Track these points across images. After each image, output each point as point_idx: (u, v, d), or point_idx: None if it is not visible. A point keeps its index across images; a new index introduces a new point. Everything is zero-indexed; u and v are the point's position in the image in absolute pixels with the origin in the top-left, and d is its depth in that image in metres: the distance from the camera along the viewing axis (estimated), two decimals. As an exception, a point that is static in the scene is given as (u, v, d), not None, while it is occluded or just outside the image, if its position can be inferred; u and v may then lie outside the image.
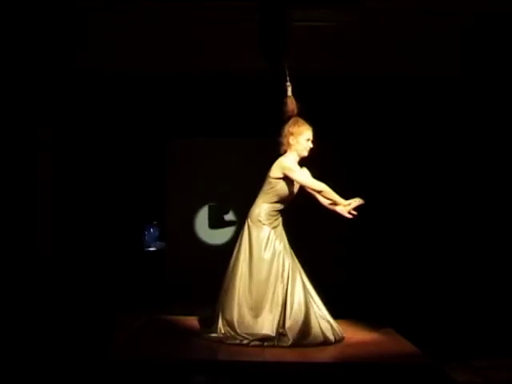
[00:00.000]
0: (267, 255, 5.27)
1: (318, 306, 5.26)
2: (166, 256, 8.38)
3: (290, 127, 5.33)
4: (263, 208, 5.37)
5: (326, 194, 5.23)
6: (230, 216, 8.42)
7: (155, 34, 6.73)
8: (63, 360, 4.70)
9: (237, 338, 5.13)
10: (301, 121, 5.35)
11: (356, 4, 6.45)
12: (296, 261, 5.37)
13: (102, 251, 7.61)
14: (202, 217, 8.42)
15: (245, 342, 5.10)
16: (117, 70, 6.88)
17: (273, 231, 5.35)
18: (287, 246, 5.40)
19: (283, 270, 5.25)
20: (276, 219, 5.40)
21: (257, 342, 5.08)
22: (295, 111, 5.35)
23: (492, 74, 6.74)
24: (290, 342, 5.05)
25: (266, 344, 5.06)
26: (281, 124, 5.40)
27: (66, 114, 7.17)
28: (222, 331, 5.22)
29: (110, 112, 7.70)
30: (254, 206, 5.42)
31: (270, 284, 5.22)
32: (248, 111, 7.66)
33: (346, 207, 5.17)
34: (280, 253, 5.29)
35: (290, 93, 5.37)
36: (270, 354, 4.89)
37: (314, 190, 5.28)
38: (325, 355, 4.91)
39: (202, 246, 8.38)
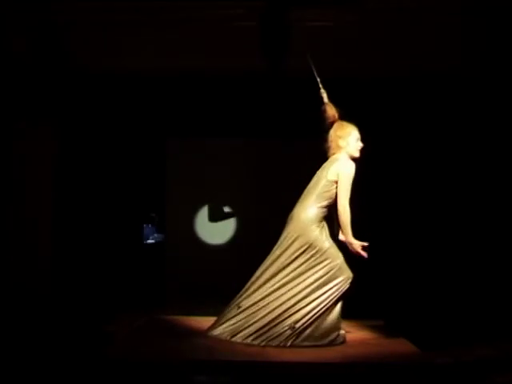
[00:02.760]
0: (320, 259, 5.18)
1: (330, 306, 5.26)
2: (166, 256, 8.38)
3: (336, 131, 5.27)
4: (314, 211, 5.23)
5: (341, 221, 5.13)
6: (228, 208, 8.42)
7: (155, 33, 6.73)
8: (63, 360, 4.70)
9: (248, 333, 5.12)
10: (345, 123, 5.30)
11: (356, 4, 6.45)
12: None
13: (102, 250, 7.61)
14: (202, 216, 8.41)
15: (249, 339, 5.09)
16: (117, 69, 6.88)
17: (324, 232, 5.25)
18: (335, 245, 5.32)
19: (326, 275, 5.17)
20: (322, 221, 5.28)
21: (261, 342, 5.08)
22: (336, 116, 5.31)
23: (494, 74, 6.74)
24: (293, 342, 5.06)
25: (274, 344, 5.06)
26: (320, 129, 5.33)
27: (66, 113, 7.17)
28: (238, 320, 5.20)
29: (109, 111, 7.70)
30: (302, 209, 5.24)
31: (317, 289, 5.16)
32: (248, 111, 7.66)
33: (351, 245, 5.13)
34: (328, 258, 5.19)
35: (326, 99, 5.33)
36: (270, 354, 4.88)
37: (337, 210, 5.16)
38: (325, 355, 4.89)
39: (202, 246, 8.38)
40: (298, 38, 6.09)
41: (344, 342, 5.23)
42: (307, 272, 5.18)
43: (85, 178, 7.54)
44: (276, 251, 5.32)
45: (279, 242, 5.33)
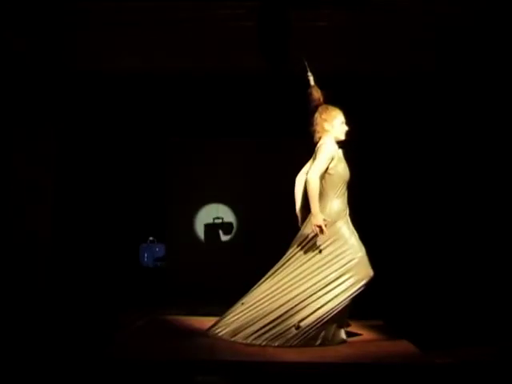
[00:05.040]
0: (339, 250, 5.09)
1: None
2: (166, 256, 8.40)
3: (321, 115, 5.25)
4: (334, 206, 5.15)
5: (308, 193, 5.07)
6: (226, 236, 8.41)
7: (155, 33, 6.74)
8: (64, 360, 4.70)
9: (249, 332, 5.10)
10: (330, 106, 5.30)
11: (357, 4, 6.46)
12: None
13: (102, 249, 7.62)
14: (202, 217, 8.42)
15: (250, 339, 5.08)
16: (117, 69, 6.89)
17: (347, 225, 5.17)
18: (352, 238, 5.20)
19: (342, 268, 5.09)
20: (345, 211, 5.21)
21: (262, 342, 5.08)
22: (321, 99, 5.30)
23: (492, 74, 6.75)
24: (297, 342, 5.04)
25: (276, 344, 5.04)
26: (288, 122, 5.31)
27: (66, 114, 7.18)
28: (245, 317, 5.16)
29: (110, 112, 7.72)
30: (322, 208, 5.10)
31: (330, 284, 5.09)
32: (248, 111, 7.67)
33: (316, 217, 5.02)
34: (348, 249, 5.12)
35: (312, 82, 5.33)
36: (270, 354, 4.87)
37: (306, 182, 5.08)
38: (325, 355, 4.88)
39: (202, 246, 8.38)
40: (297, 38, 6.09)
41: (344, 342, 5.23)
42: (321, 265, 5.09)
43: (85, 177, 7.56)
44: (291, 250, 5.24)
45: (295, 241, 5.24)
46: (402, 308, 6.70)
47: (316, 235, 5.07)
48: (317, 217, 5.02)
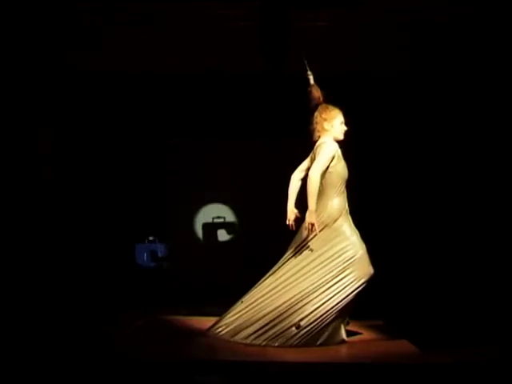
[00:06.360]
0: (339, 247, 5.11)
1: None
2: (166, 256, 8.40)
3: (321, 114, 5.28)
4: (334, 204, 5.17)
5: (308, 190, 5.09)
6: (225, 235, 8.39)
7: (155, 34, 6.74)
8: (63, 359, 4.70)
9: (249, 332, 5.10)
10: (330, 106, 5.32)
11: (356, 4, 6.46)
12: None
13: (102, 249, 7.61)
14: (203, 217, 8.41)
15: (250, 339, 5.08)
16: (117, 69, 6.89)
17: (347, 222, 5.20)
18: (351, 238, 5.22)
19: (342, 265, 5.10)
20: (346, 208, 5.23)
21: (262, 342, 5.08)
22: (321, 98, 5.32)
23: (492, 72, 6.76)
24: (297, 342, 5.04)
25: (276, 344, 5.05)
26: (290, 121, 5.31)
27: (66, 114, 7.19)
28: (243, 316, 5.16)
29: (110, 112, 7.71)
30: (323, 207, 5.15)
31: (330, 281, 5.09)
32: (248, 111, 7.66)
33: (311, 214, 5.04)
34: (349, 245, 5.14)
35: (312, 81, 5.35)
36: (270, 354, 4.88)
37: (308, 180, 5.10)
38: (325, 355, 4.88)
39: (203, 246, 8.37)
40: (297, 38, 6.10)
41: (344, 341, 5.23)
42: (321, 263, 5.10)
43: (85, 178, 7.56)
44: (291, 248, 5.26)
45: (295, 239, 5.26)
46: (402, 308, 6.70)
47: (315, 234, 5.07)
48: (312, 215, 5.05)
